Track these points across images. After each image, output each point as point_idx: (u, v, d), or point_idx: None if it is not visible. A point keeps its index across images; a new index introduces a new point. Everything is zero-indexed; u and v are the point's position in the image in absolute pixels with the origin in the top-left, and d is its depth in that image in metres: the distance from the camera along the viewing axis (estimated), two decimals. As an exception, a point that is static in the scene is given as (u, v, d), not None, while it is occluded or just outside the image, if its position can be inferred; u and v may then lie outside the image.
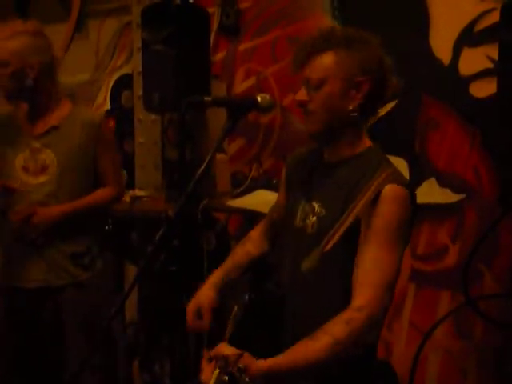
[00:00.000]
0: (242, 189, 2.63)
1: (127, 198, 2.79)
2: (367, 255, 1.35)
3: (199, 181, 1.40)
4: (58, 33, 3.39)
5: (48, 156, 2.23)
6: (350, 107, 1.42)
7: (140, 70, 2.85)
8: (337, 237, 1.36)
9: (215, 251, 2.73)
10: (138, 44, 2.87)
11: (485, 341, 2.36)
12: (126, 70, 3.29)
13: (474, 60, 2.30)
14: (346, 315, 1.31)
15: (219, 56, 2.99)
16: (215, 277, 1.65)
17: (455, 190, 2.38)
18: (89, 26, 3.43)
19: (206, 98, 1.44)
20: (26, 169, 2.23)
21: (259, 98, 1.43)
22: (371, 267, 1.34)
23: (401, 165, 2.45)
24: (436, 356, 2.45)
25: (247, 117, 2.90)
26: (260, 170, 2.77)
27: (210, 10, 2.86)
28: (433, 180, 2.42)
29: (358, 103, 1.42)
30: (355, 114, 1.43)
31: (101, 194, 2.30)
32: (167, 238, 1.39)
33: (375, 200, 1.35)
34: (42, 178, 2.23)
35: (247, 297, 1.53)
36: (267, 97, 1.44)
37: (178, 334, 2.60)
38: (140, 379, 2.93)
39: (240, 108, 1.45)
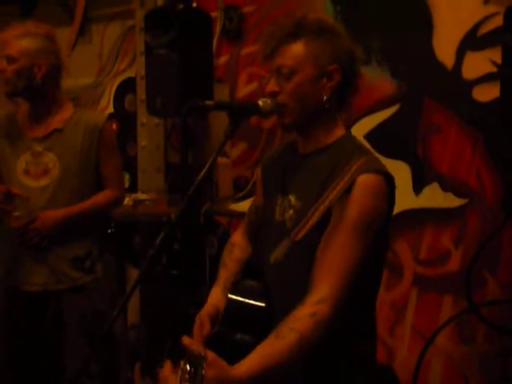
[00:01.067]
0: (244, 193, 2.63)
1: (130, 202, 2.79)
2: (332, 242, 1.32)
3: (201, 185, 1.40)
4: (62, 37, 3.40)
5: (50, 159, 2.23)
6: (324, 96, 1.40)
7: (143, 73, 2.87)
8: (307, 227, 1.32)
9: (217, 255, 2.73)
10: (141, 48, 2.88)
11: (487, 346, 2.35)
12: (129, 74, 3.30)
13: (477, 64, 2.30)
14: (309, 308, 1.27)
15: (222, 60, 2.99)
16: (215, 293, 1.60)
17: (458, 195, 2.38)
18: (92, 30, 3.45)
19: (207, 102, 1.44)
20: (27, 172, 2.23)
21: (261, 103, 1.42)
22: (334, 255, 1.31)
23: (403, 169, 2.45)
24: (438, 361, 2.44)
25: (249, 121, 2.93)
26: (262, 174, 2.76)
27: (213, 15, 2.87)
28: (435, 184, 2.41)
29: (330, 92, 1.40)
30: (327, 104, 1.40)
31: (103, 197, 2.30)
32: (168, 242, 1.38)
33: (349, 189, 1.32)
34: (44, 182, 2.23)
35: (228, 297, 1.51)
36: (268, 101, 1.43)
37: (180, 337, 2.59)
38: (142, 383, 2.92)
39: (241, 112, 1.44)
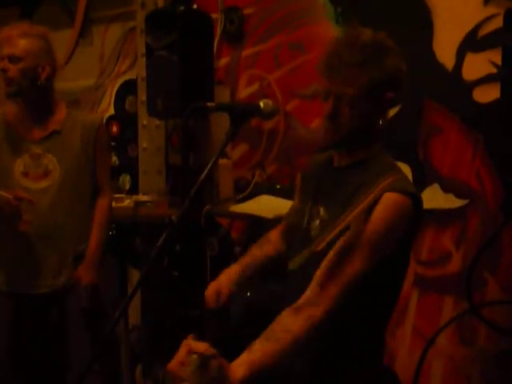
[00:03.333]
0: (245, 194, 2.63)
1: (131, 204, 2.80)
2: (343, 251, 1.33)
3: (202, 186, 1.40)
4: (63, 39, 3.41)
5: (50, 161, 2.23)
6: (380, 121, 1.44)
7: (144, 75, 2.87)
8: (328, 239, 1.34)
9: (218, 257, 2.73)
10: (142, 50, 2.88)
11: (488, 347, 2.35)
12: (130, 76, 3.31)
13: (478, 65, 2.30)
14: (305, 312, 1.30)
15: (223, 62, 2.99)
16: (232, 269, 1.67)
17: (458, 196, 2.38)
18: (93, 31, 3.45)
19: (209, 104, 1.44)
20: (26, 174, 2.22)
21: (262, 104, 1.43)
22: (341, 264, 1.32)
23: (404, 170, 2.45)
24: (439, 362, 2.44)
25: (250, 123, 2.93)
26: (263, 176, 2.77)
27: (214, 16, 2.88)
28: (436, 186, 2.41)
29: (385, 116, 1.45)
30: (383, 127, 1.44)
31: (105, 209, 2.33)
32: (170, 243, 1.39)
33: (372, 206, 1.34)
34: (45, 183, 2.23)
35: (248, 295, 1.54)
36: (270, 102, 1.44)
37: (182, 339, 2.59)
38: (143, 384, 2.92)
39: (243, 113, 1.44)
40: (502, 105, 1.97)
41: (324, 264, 1.35)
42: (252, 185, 2.67)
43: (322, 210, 1.48)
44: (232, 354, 1.29)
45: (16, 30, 2.18)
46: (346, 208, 1.37)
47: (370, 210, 1.34)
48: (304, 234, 1.50)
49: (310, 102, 2.76)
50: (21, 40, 2.16)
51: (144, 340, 2.99)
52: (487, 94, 2.25)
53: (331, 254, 1.35)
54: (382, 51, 1.42)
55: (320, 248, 1.35)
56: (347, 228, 1.34)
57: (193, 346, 1.25)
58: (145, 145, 3.10)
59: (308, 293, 1.33)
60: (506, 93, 1.94)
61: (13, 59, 2.15)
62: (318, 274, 1.35)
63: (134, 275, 2.97)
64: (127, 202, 2.82)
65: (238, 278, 1.65)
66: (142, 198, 2.93)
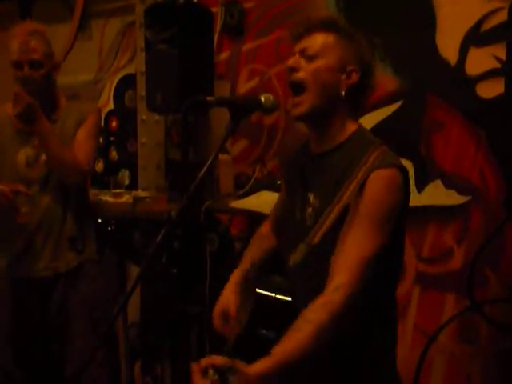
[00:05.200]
0: (245, 190, 2.61)
1: (130, 199, 2.78)
2: (348, 237, 1.34)
3: (202, 182, 1.38)
4: (62, 33, 3.39)
5: None
6: (342, 91, 1.43)
7: (143, 70, 2.84)
8: (323, 229, 1.35)
9: (218, 252, 2.71)
10: (142, 44, 2.85)
11: (490, 345, 2.33)
12: (129, 70, 3.28)
13: (481, 60, 2.28)
14: (323, 298, 1.29)
15: (223, 56, 2.97)
16: (235, 277, 1.65)
17: (461, 192, 2.36)
18: (92, 26, 3.42)
19: (208, 98, 1.42)
20: (29, 165, 2.27)
21: (263, 98, 1.41)
22: (349, 247, 1.33)
23: (406, 166, 2.43)
24: (440, 360, 2.42)
25: (251, 118, 2.90)
26: (263, 171, 2.75)
27: (214, 10, 2.85)
28: (438, 182, 2.39)
29: (346, 89, 1.43)
30: (343, 99, 1.44)
31: (69, 153, 2.25)
32: (169, 240, 1.37)
33: (362, 187, 1.35)
34: (45, 172, 2.28)
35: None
36: (271, 97, 1.42)
37: (181, 336, 2.58)
38: (142, 382, 2.91)
39: (243, 108, 1.42)
40: (506, 100, 1.95)
41: (335, 254, 1.35)
42: (252, 180, 2.65)
43: (312, 198, 1.47)
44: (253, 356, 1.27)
45: (26, 29, 2.21)
46: (336, 192, 1.38)
47: (360, 190, 1.35)
48: (299, 225, 1.49)
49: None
50: (37, 42, 2.20)
51: (143, 337, 2.98)
52: (491, 90, 2.23)
53: (339, 242, 1.35)
54: (351, 29, 1.47)
55: (317, 240, 1.36)
56: (341, 214, 1.35)
57: (209, 361, 1.22)
58: (144, 140, 3.08)
59: (327, 283, 1.32)
60: (510, 88, 1.92)
61: (36, 65, 2.20)
62: (332, 265, 1.34)
63: (134, 271, 2.95)
64: (126, 198, 2.81)
65: (243, 283, 1.63)
66: (141, 193, 2.91)
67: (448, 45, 2.35)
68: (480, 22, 2.28)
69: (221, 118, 2.71)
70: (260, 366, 1.22)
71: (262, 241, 1.73)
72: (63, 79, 2.34)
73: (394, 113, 2.48)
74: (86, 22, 3.42)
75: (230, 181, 2.68)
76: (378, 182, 1.35)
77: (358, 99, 1.48)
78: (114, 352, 2.79)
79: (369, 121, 2.58)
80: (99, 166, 3.31)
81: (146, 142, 3.07)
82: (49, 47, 2.25)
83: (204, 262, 2.54)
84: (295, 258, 1.45)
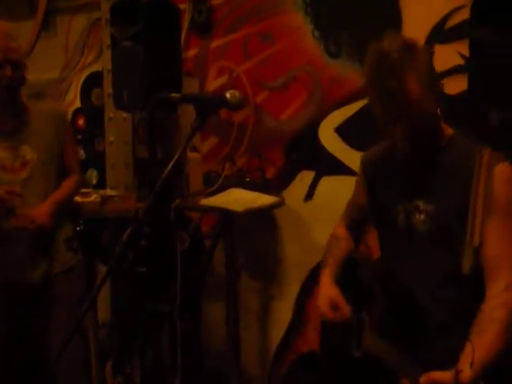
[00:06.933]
0: (215, 187, 2.60)
1: (98, 198, 2.74)
2: (493, 236, 1.40)
3: (168, 179, 1.37)
4: (25, 30, 3.32)
5: (27, 151, 2.24)
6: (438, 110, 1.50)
7: (110, 67, 2.80)
8: (478, 229, 1.40)
9: (188, 251, 2.70)
10: (108, 41, 2.81)
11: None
12: (96, 68, 3.24)
13: (446, 57, 2.31)
14: (498, 298, 1.36)
15: (191, 53, 2.95)
16: (327, 275, 1.68)
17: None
18: (57, 22, 3.37)
19: (173, 95, 1.41)
20: (3, 167, 2.22)
21: (228, 95, 1.41)
22: (500, 245, 1.40)
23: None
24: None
25: (220, 115, 2.89)
26: (233, 169, 2.74)
27: (182, 7, 2.83)
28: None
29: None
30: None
31: (73, 182, 2.38)
32: (135, 238, 1.36)
33: (490, 182, 1.41)
34: (24, 174, 2.24)
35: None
36: (236, 93, 1.41)
37: (151, 334, 2.56)
38: (113, 381, 2.88)
39: (209, 105, 1.42)
40: (469, 96, 1.98)
41: (484, 254, 1.41)
42: (222, 178, 2.65)
43: (422, 204, 1.51)
44: None
45: (4, 31, 2.17)
46: (453, 192, 1.44)
47: (488, 184, 1.41)
48: (405, 233, 1.53)
49: (279, 94, 2.74)
50: (13, 43, 2.17)
51: (114, 337, 2.95)
52: (455, 86, 2.27)
53: (486, 239, 1.41)
54: (408, 50, 1.48)
55: (478, 241, 1.41)
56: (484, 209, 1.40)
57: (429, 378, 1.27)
58: (112, 138, 3.04)
59: (491, 284, 1.39)
60: (474, 84, 1.95)
61: (16, 65, 2.16)
62: (486, 266, 1.41)
63: (102, 271, 2.92)
64: (94, 197, 2.77)
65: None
66: (110, 192, 2.88)
67: (414, 42, 2.38)
68: (444, 20, 2.32)
69: (189, 115, 2.69)
70: (469, 374, 1.25)
71: (340, 242, 1.76)
72: (27, 77, 2.28)
73: (361, 109, 2.50)
74: (51, 18, 3.36)
75: (200, 179, 2.67)
76: (504, 176, 1.43)
77: None
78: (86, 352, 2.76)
79: (337, 117, 2.60)
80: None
81: (113, 141, 3.03)
82: (19, 45, 2.22)
83: (174, 260, 2.53)
84: (468, 263, 1.45)
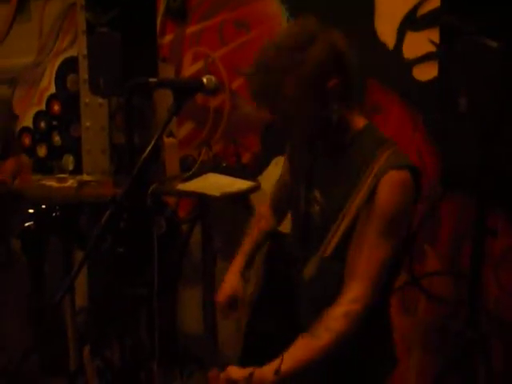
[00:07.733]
0: (191, 172, 2.62)
1: (74, 184, 2.74)
2: (362, 244, 1.35)
3: (145, 164, 1.39)
4: (-1, 14, 3.28)
5: None
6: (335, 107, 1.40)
7: (85, 52, 2.79)
8: (335, 241, 1.37)
9: (165, 235, 2.72)
10: (83, 26, 2.80)
11: (428, 317, 2.44)
12: (71, 53, 3.21)
13: (417, 44, 2.35)
14: (343, 308, 1.32)
15: (167, 39, 2.95)
16: (238, 263, 1.69)
17: (399, 171, 2.44)
18: (31, 7, 3.32)
19: (150, 80, 1.43)
20: None
21: (205, 80, 1.43)
22: (365, 256, 1.34)
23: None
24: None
25: (196, 100, 2.90)
26: (209, 154, 2.76)
27: (157, -8, 2.82)
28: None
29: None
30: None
31: None
32: (114, 221, 1.38)
33: (373, 191, 1.34)
34: None
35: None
36: (213, 78, 1.44)
37: (129, 318, 2.59)
38: (91, 365, 2.90)
39: (185, 89, 1.44)
40: (439, 82, 2.04)
41: (349, 260, 1.36)
42: (198, 163, 2.67)
43: (318, 195, 1.47)
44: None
45: None
46: (342, 193, 1.38)
47: (371, 195, 1.33)
48: (305, 218, 1.51)
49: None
50: None
51: (91, 321, 2.97)
52: (426, 72, 2.31)
53: (352, 247, 1.36)
54: (295, 50, 1.36)
55: (329, 253, 1.38)
56: (352, 222, 1.35)
57: (227, 374, 1.26)
58: (88, 124, 3.03)
59: (344, 291, 1.34)
60: (443, 71, 2.00)
61: None
62: (348, 271, 1.36)
63: (80, 256, 2.92)
64: (71, 182, 2.77)
65: (245, 269, 1.69)
66: (86, 177, 2.88)
67: (386, 29, 2.42)
68: (416, 7, 2.36)
69: (166, 100, 2.70)
70: (273, 369, 1.25)
71: (263, 222, 1.76)
72: (1, 62, 2.26)
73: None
74: (25, 2, 3.32)
75: (176, 163, 2.69)
76: (390, 187, 1.33)
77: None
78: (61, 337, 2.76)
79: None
80: (42, 151, 3.24)
81: (90, 126, 3.03)
82: None
83: (151, 244, 2.55)
84: (309, 271, 1.46)
